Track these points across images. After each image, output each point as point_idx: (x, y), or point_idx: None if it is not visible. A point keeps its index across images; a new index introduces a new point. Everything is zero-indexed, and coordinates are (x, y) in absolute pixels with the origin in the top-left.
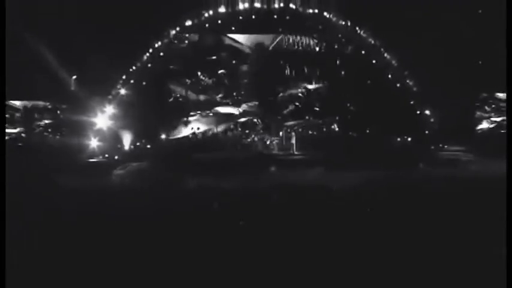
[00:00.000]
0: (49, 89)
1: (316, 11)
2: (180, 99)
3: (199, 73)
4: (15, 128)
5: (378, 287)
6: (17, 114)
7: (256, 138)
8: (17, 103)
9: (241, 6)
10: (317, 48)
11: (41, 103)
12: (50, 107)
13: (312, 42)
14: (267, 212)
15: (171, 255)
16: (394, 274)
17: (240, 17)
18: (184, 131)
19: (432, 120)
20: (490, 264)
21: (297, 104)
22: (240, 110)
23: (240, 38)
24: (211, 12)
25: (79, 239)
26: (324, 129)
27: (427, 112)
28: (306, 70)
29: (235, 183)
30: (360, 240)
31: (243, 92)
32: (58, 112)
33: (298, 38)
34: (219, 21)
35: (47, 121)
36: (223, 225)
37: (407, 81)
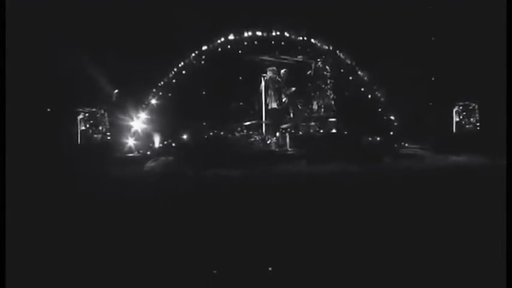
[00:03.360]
0: (96, 99)
1: (305, 38)
2: (198, 107)
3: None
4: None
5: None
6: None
7: (258, 138)
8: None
9: (245, 34)
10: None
11: (87, 109)
12: (94, 111)
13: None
14: (267, 193)
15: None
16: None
17: (245, 43)
18: (203, 133)
19: (396, 124)
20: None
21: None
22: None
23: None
24: (222, 39)
25: (123, 209)
26: (311, 131)
27: (392, 117)
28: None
29: (242, 172)
30: (335, 214)
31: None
32: (98, 117)
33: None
34: (229, 46)
35: (92, 123)
36: (230, 203)
37: (376, 93)
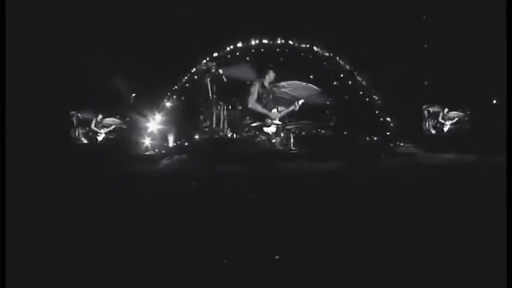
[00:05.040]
0: (116, 103)
1: (308, 45)
2: (209, 110)
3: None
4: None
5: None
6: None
7: (264, 138)
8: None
9: (253, 42)
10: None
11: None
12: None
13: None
14: (272, 186)
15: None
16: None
17: (252, 50)
18: (215, 133)
19: (392, 125)
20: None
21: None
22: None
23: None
24: (231, 46)
25: (143, 201)
26: (313, 132)
27: (388, 119)
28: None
29: (250, 168)
30: (334, 206)
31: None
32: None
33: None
34: (237, 53)
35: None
36: (239, 195)
37: (374, 96)
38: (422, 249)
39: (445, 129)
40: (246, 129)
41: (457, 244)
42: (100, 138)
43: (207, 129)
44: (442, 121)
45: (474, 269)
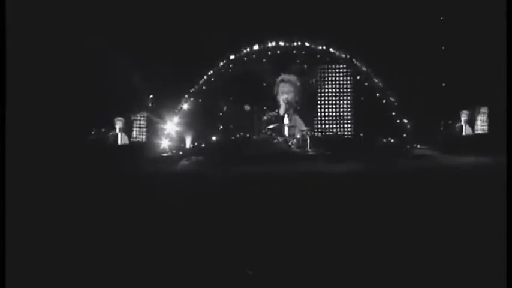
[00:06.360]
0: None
1: (325, 47)
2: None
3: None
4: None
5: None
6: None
7: (281, 139)
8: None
9: (269, 44)
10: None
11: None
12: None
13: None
14: (288, 187)
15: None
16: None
17: (269, 52)
18: (229, 135)
19: (408, 126)
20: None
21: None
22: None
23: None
24: (248, 49)
25: (160, 202)
26: (330, 133)
27: (405, 121)
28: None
29: (267, 169)
30: (349, 205)
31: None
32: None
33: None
34: (254, 56)
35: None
36: (253, 197)
37: (390, 98)
38: (431, 248)
39: (463, 131)
40: (263, 130)
41: (461, 244)
42: (120, 140)
43: (223, 130)
44: (459, 123)
45: (474, 269)
